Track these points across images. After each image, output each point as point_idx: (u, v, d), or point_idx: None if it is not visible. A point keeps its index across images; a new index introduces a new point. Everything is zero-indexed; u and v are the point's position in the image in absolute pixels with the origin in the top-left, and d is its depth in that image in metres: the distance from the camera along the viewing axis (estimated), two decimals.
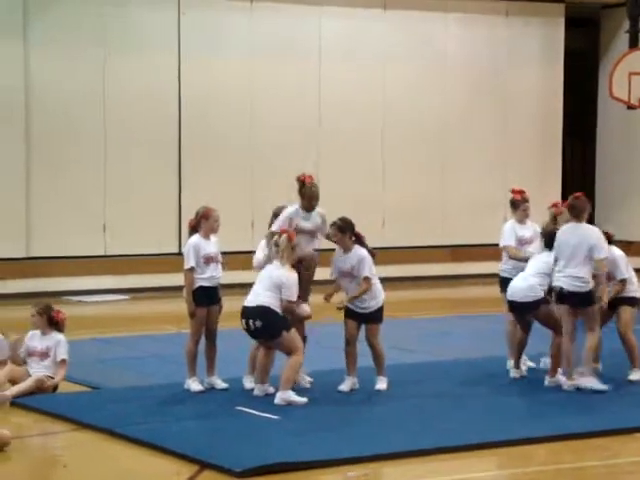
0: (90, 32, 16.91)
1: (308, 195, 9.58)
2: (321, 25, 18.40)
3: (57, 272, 16.53)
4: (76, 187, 16.85)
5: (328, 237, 9.59)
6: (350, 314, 9.51)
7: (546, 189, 19.27)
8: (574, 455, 7.91)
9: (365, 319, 9.50)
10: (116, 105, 17.11)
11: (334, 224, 9.41)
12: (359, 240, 9.44)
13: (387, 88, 18.80)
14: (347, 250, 9.40)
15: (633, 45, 19.37)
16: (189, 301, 9.46)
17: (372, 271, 9.38)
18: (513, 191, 10.70)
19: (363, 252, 9.38)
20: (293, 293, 9.07)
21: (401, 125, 19.04)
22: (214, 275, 9.53)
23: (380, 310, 9.51)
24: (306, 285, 9.45)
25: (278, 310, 9.06)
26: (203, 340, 9.62)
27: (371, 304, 9.45)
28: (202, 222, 9.52)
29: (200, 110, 17.64)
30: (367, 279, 9.34)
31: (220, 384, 9.64)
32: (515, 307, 9.83)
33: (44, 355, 9.61)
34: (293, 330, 9.15)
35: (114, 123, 17.10)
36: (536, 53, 20.32)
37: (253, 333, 9.15)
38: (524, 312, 9.79)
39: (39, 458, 8.16)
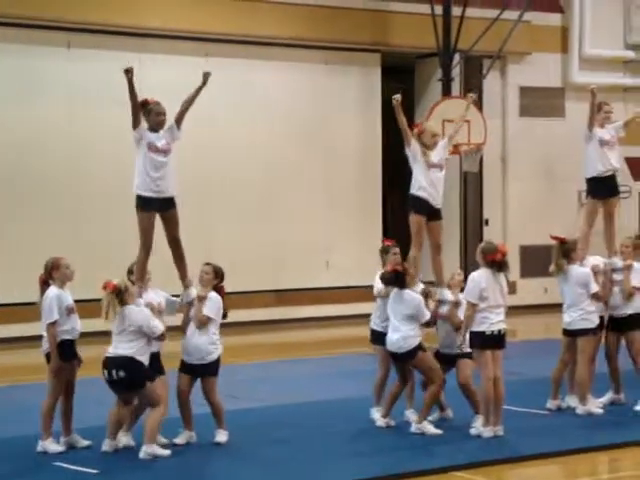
0: None
1: (155, 111, 9.46)
2: (141, 71, 18.32)
3: None
4: None
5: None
6: (184, 368, 9.41)
7: (368, 234, 19.63)
8: None
9: (200, 372, 9.39)
10: None
11: (211, 264, 9.52)
12: (220, 290, 9.54)
13: (213, 137, 18.87)
14: (204, 289, 9.43)
15: (446, 93, 20.04)
16: (54, 356, 9.01)
17: (217, 317, 9.40)
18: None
19: (217, 297, 9.45)
20: (155, 327, 8.94)
21: (228, 174, 19.13)
22: (75, 327, 9.21)
23: (217, 362, 9.43)
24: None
25: (142, 359, 8.90)
26: None
27: (208, 356, 9.36)
28: (54, 273, 9.18)
29: (16, 155, 17.36)
30: (208, 318, 9.34)
31: (81, 442, 9.22)
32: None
33: None
34: (157, 381, 8.99)
35: None
36: (355, 101, 20.78)
37: (115, 384, 8.92)
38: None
39: None
